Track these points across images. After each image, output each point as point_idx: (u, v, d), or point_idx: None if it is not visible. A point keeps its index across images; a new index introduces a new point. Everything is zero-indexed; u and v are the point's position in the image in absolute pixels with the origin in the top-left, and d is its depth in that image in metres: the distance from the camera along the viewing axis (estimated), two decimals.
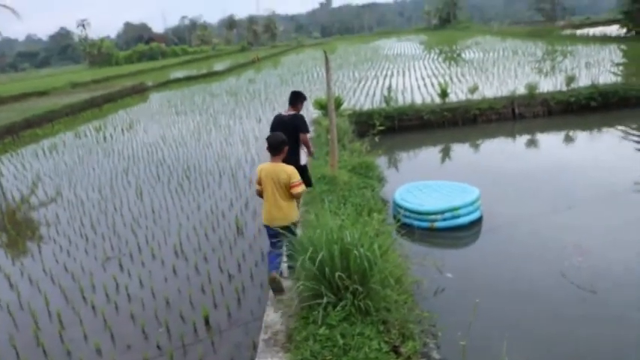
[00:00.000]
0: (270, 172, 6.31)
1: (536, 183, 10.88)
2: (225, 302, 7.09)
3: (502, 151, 14.17)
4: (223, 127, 20.33)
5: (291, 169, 6.29)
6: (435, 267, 6.87)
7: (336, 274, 4.64)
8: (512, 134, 15.84)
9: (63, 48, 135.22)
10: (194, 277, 8.09)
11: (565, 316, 6.20)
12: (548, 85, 19.60)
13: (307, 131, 8.15)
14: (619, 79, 20.56)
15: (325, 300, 4.70)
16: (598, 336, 5.79)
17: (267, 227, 6.51)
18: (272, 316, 5.36)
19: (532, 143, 14.67)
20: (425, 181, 10.00)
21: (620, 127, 14.91)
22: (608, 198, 9.56)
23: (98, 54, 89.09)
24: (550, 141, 14.69)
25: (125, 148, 18.36)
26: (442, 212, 8.63)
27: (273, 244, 6.31)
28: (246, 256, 8.55)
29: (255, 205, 10.92)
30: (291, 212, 6.37)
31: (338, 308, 4.70)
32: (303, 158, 8.26)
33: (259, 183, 6.49)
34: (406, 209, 8.91)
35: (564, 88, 17.53)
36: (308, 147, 8.24)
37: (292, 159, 7.35)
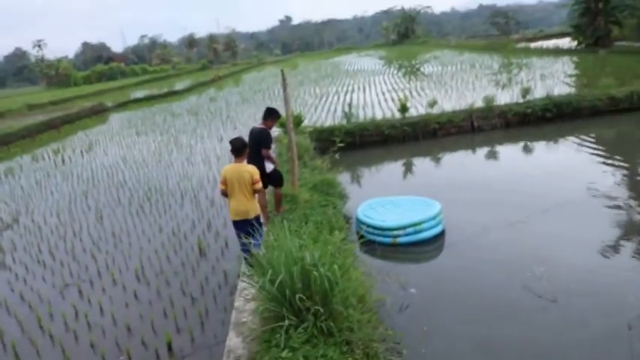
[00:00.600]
0: (235, 172, 7.17)
1: (496, 194, 11.05)
2: (188, 327, 7.00)
3: (462, 163, 14.33)
4: (185, 147, 20.14)
5: (251, 168, 7.24)
6: (399, 283, 6.91)
7: (297, 295, 4.61)
8: (471, 147, 16.04)
9: (19, 69, 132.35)
10: (156, 301, 7.97)
11: (529, 325, 6.24)
12: (505, 97, 19.99)
13: (268, 147, 8.66)
14: (572, 90, 21.09)
15: (287, 322, 4.67)
16: (562, 342, 5.86)
17: (235, 222, 7.42)
18: (234, 341, 5.30)
19: (491, 155, 14.91)
20: (387, 197, 10.06)
21: (573, 137, 15.27)
22: (565, 206, 9.75)
23: (56, 75, 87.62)
24: (508, 152, 14.94)
25: (84, 171, 18.03)
26: (404, 227, 8.67)
27: (241, 241, 6.85)
28: (209, 279, 8.46)
29: (217, 225, 10.85)
30: (253, 207, 7.34)
31: (300, 330, 4.66)
32: (269, 167, 8.65)
33: (224, 183, 7.27)
34: (368, 225, 8.93)
35: (520, 100, 17.88)
36: (271, 160, 8.70)
37: (259, 167, 7.91)
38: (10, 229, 12.50)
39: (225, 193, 7.35)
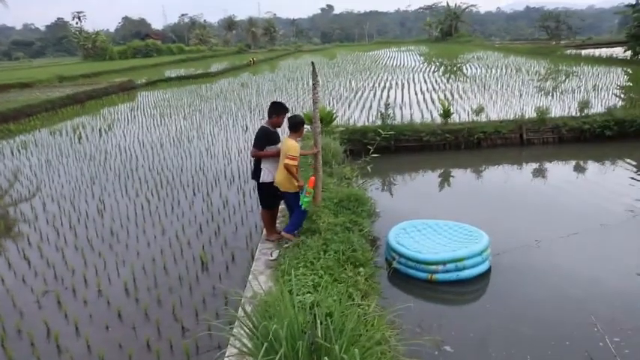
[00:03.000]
0: (283, 143, 7.45)
1: (549, 217, 9.63)
2: None
3: (508, 180, 12.80)
4: (207, 135, 18.92)
5: (291, 143, 7.31)
6: (434, 344, 5.53)
7: None
8: (519, 162, 14.47)
9: (59, 39, 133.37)
10: (141, 327, 6.69)
11: None
12: (557, 109, 18.29)
13: (257, 147, 7.66)
14: (626, 104, 19.28)
15: None
16: None
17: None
18: None
19: (540, 173, 13.33)
20: (425, 220, 8.59)
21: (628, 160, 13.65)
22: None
23: (92, 47, 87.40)
24: (562, 173, 13.28)
25: (98, 153, 16.93)
26: (444, 262, 7.24)
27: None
28: (206, 303, 7.17)
29: (226, 233, 9.56)
30: (285, 181, 7.42)
31: None
32: (265, 175, 7.70)
33: None
34: (401, 255, 7.52)
35: (576, 114, 16.20)
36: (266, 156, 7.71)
37: (255, 174, 7.85)
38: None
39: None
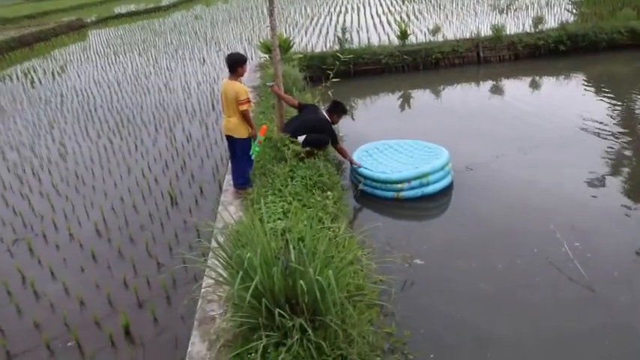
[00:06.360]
0: (228, 88, 7.04)
1: (508, 131, 9.92)
2: (150, 303, 5.83)
3: (466, 98, 12.99)
4: (164, 70, 18.59)
5: (239, 86, 6.99)
6: (404, 260, 5.78)
7: (277, 310, 3.42)
8: (476, 80, 14.65)
9: None
10: (116, 265, 6.80)
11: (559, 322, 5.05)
12: (512, 26, 18.35)
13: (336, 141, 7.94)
14: (579, 19, 19.45)
15: (265, 341, 3.50)
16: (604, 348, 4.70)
17: (226, 136, 7.42)
18: (198, 347, 4.15)
19: (497, 90, 13.54)
20: (386, 141, 8.76)
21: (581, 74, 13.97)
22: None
23: None
24: (519, 89, 13.49)
25: (54, 96, 16.55)
26: (409, 180, 7.44)
27: (232, 155, 7.48)
28: (179, 237, 7.28)
29: (193, 167, 9.63)
30: (237, 127, 7.14)
31: (282, 349, 3.51)
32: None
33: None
34: (367, 177, 7.70)
35: (530, 30, 16.29)
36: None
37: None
38: None
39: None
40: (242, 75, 7.23)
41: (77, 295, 6.11)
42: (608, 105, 11.35)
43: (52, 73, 20.68)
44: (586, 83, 13.37)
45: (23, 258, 7.20)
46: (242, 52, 18.78)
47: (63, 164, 10.55)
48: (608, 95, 12.10)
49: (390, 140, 8.79)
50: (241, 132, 7.18)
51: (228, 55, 7.18)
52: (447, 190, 7.76)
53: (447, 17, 23.21)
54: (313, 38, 21.29)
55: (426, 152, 8.15)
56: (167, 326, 5.51)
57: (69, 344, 5.40)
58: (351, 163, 7.98)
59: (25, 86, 18.80)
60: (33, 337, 5.55)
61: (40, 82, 19.14)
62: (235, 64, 7.02)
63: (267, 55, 14.11)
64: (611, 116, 10.54)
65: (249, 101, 7.06)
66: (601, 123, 10.04)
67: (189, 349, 4.19)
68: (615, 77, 14.14)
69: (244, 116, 7.07)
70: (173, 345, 5.17)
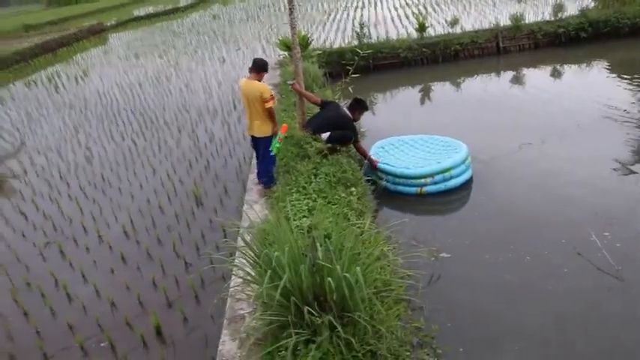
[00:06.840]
0: (247, 87, 7.15)
1: (530, 121, 9.86)
2: (179, 303, 5.95)
3: (487, 89, 12.93)
4: (184, 71, 18.77)
5: (262, 85, 7.11)
6: (430, 254, 5.80)
7: (306, 308, 3.48)
8: (497, 70, 14.56)
9: None
10: (145, 266, 6.92)
11: (587, 311, 5.08)
12: (531, 15, 18.18)
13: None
14: (599, 4, 19.17)
15: (294, 338, 3.57)
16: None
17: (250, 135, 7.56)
18: (229, 346, 4.24)
19: (518, 80, 13.44)
20: (401, 137, 8.75)
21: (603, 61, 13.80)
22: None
23: None
24: (539, 78, 13.38)
25: (78, 100, 16.80)
26: (432, 175, 7.45)
27: (256, 154, 7.60)
28: (205, 237, 7.39)
29: (216, 167, 9.75)
30: (260, 126, 7.27)
31: (311, 346, 3.57)
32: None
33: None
34: (388, 173, 7.73)
35: (550, 18, 16.14)
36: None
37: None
38: None
39: None
40: (262, 78, 7.32)
41: (108, 297, 6.25)
42: (632, 92, 11.22)
43: (76, 78, 20.98)
44: (608, 70, 13.22)
45: (55, 261, 7.36)
46: (260, 49, 18.95)
47: (89, 167, 10.74)
48: (631, 82, 11.95)
49: (405, 136, 8.79)
50: (265, 131, 7.27)
51: (259, 59, 7.31)
52: (467, 184, 7.77)
53: (465, 8, 23.08)
54: (331, 34, 21.31)
55: (443, 146, 8.16)
56: (197, 325, 5.61)
57: (102, 345, 5.53)
58: (370, 161, 8.01)
59: (49, 91, 19.11)
60: (67, 338, 5.70)
61: (64, 87, 19.43)
62: (263, 68, 7.19)
63: (286, 53, 14.17)
64: (634, 103, 10.41)
65: (273, 98, 7.15)
66: (625, 110, 9.94)
67: (220, 347, 4.28)
68: (638, 63, 13.94)
69: (270, 113, 7.17)
70: (203, 344, 5.27)
